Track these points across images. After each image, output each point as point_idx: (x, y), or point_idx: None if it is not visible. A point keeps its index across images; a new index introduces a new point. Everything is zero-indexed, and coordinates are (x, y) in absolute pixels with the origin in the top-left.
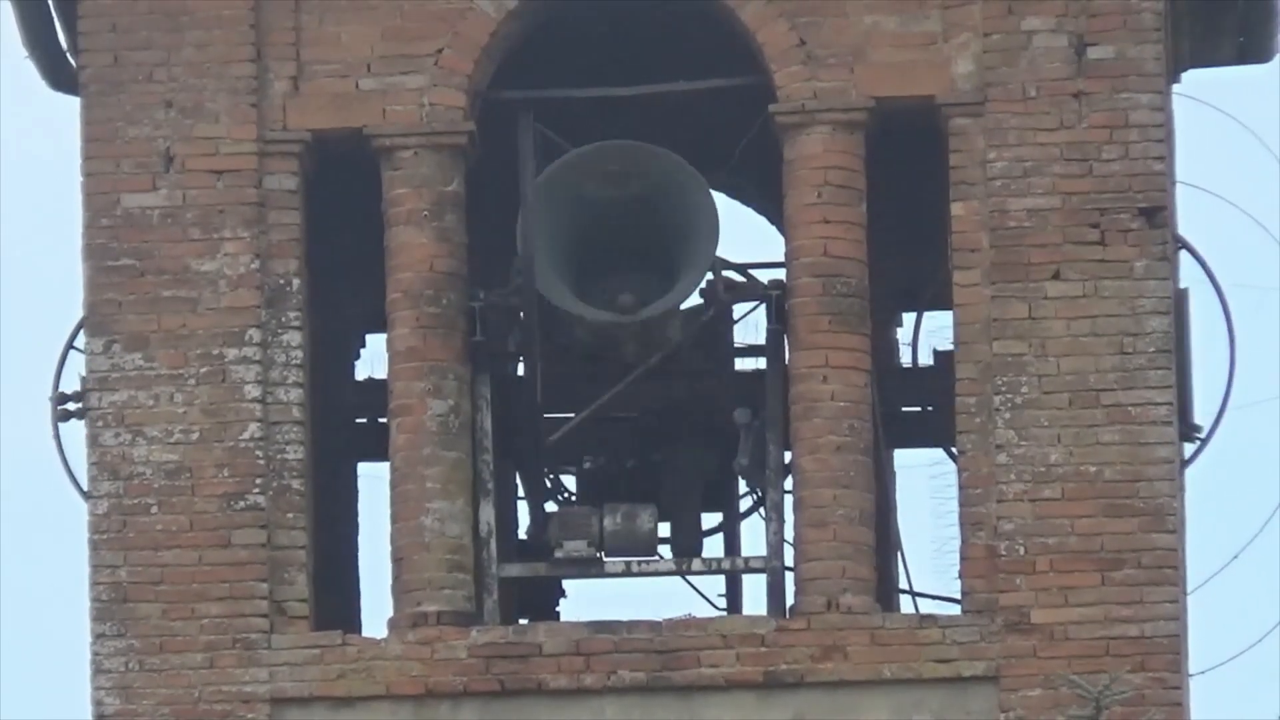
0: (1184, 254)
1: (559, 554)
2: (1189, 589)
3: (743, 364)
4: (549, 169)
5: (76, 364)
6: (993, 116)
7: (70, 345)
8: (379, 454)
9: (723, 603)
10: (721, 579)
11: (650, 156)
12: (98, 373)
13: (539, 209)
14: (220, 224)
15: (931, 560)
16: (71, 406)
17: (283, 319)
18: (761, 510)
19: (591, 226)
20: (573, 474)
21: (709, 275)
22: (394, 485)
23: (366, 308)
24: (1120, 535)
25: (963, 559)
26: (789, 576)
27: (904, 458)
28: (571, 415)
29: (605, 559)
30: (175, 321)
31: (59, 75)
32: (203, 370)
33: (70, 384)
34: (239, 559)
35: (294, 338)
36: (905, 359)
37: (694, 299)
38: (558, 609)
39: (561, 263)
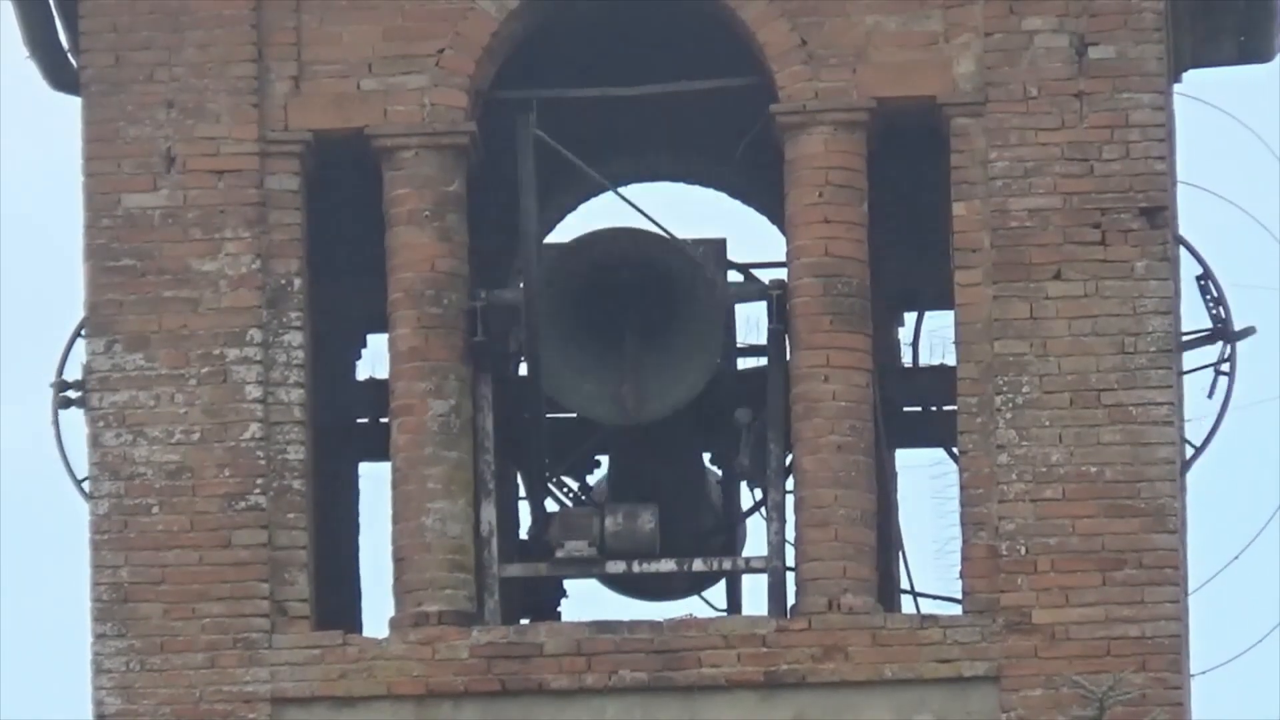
0: (1184, 254)
1: (560, 554)
2: (1190, 589)
3: (743, 364)
4: (550, 254)
5: (78, 357)
6: (994, 116)
7: (70, 346)
8: (380, 454)
9: (720, 603)
10: (722, 579)
11: (648, 245)
12: (99, 373)
13: (542, 286)
14: (221, 224)
15: (933, 560)
16: (72, 395)
17: (284, 319)
18: (762, 510)
19: (596, 306)
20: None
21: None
22: (395, 485)
23: (368, 308)
24: (1121, 535)
25: (964, 559)
26: (790, 577)
27: (905, 458)
28: (573, 416)
29: (606, 560)
30: (176, 321)
31: (60, 75)
32: (204, 370)
33: (73, 371)
34: (240, 559)
35: (295, 338)
36: (906, 359)
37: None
38: (559, 609)
39: (566, 344)
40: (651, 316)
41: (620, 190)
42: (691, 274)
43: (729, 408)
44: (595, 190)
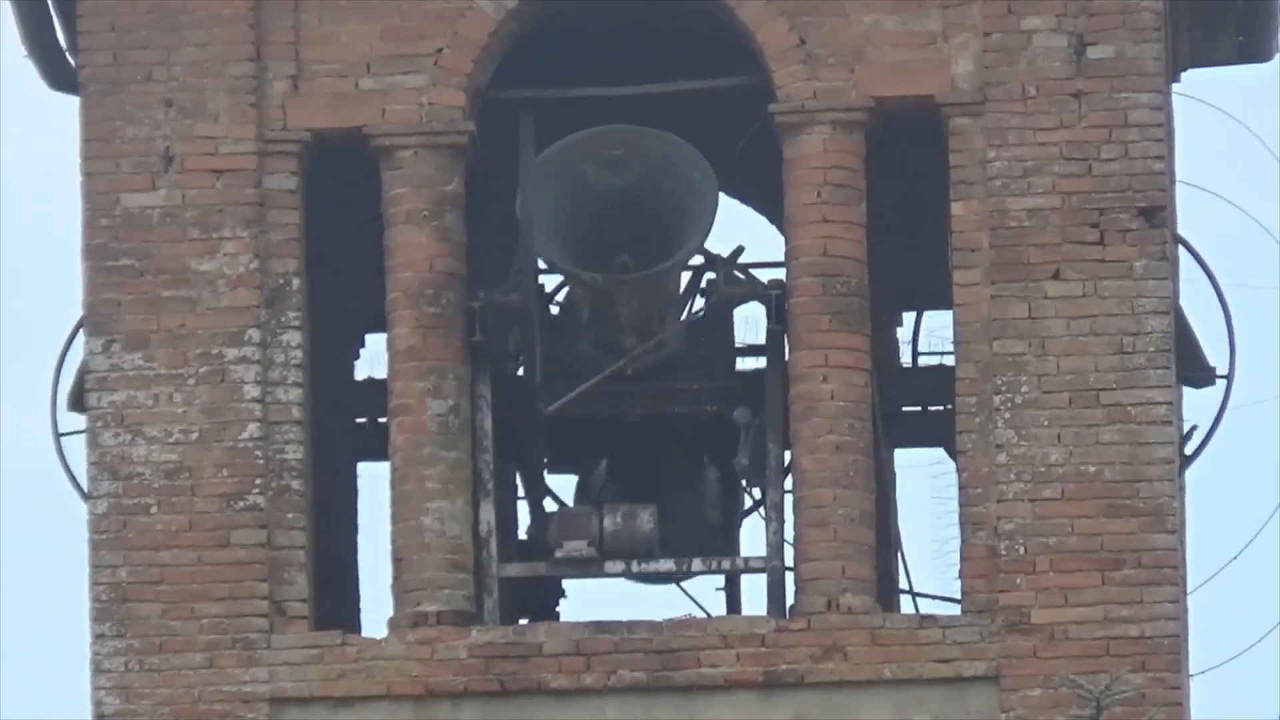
0: (1184, 254)
1: (559, 554)
2: (1189, 589)
3: (743, 364)
4: (549, 150)
5: (77, 360)
6: (992, 116)
7: (69, 346)
8: (379, 454)
9: (719, 604)
10: (721, 579)
11: (650, 140)
12: (97, 373)
13: (539, 188)
14: (220, 224)
15: (932, 560)
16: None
17: (282, 319)
18: (761, 510)
19: (591, 207)
20: (573, 475)
21: (710, 275)
22: (394, 485)
23: (366, 307)
24: (1120, 535)
25: (963, 559)
26: (789, 576)
27: (904, 457)
28: (572, 417)
29: (605, 559)
30: (175, 321)
31: (58, 75)
32: (202, 370)
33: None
34: (239, 559)
35: (293, 337)
36: (905, 359)
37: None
38: (558, 609)
39: (561, 237)
40: (646, 196)
41: None
42: (685, 159)
43: (728, 408)
44: None
